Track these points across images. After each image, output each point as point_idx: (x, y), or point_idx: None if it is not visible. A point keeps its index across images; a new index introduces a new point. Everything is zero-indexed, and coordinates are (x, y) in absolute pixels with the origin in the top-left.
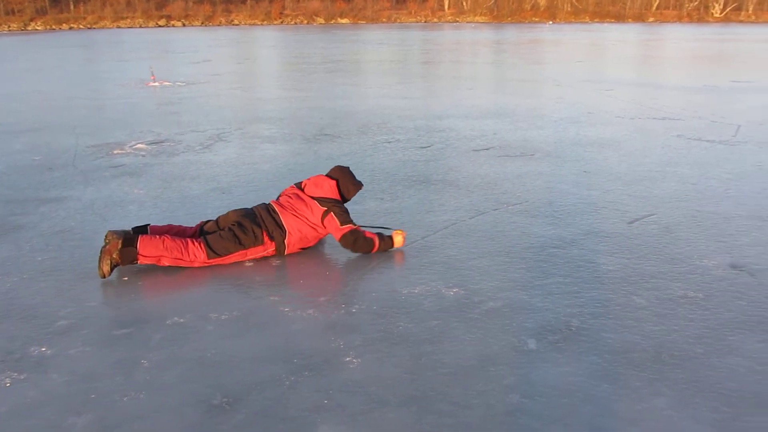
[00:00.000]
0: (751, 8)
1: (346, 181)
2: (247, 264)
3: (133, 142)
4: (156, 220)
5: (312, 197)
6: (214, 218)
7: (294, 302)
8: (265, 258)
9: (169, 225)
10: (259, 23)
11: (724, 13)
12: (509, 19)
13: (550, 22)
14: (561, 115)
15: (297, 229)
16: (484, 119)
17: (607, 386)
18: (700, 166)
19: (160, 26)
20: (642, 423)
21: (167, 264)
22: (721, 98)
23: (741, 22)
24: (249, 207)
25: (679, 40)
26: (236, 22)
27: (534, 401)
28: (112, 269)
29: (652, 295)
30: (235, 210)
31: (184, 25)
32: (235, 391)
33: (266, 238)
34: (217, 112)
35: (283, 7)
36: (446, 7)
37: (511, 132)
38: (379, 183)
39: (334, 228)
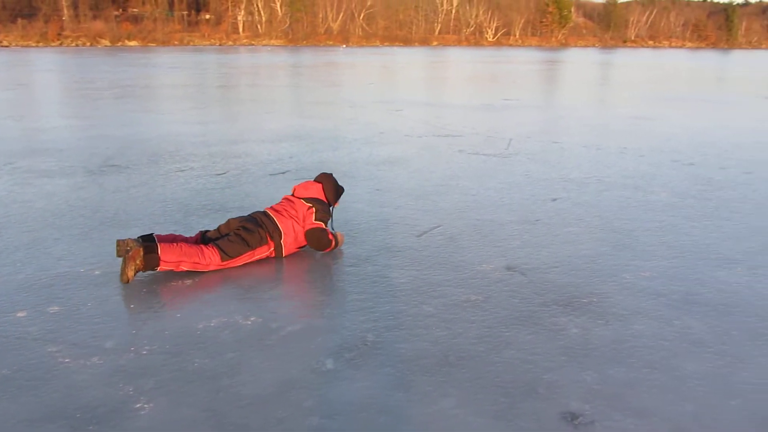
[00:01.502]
0: (517, 33)
1: (329, 184)
2: (19, 315)
3: None
4: None
5: (300, 198)
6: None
7: (75, 351)
8: (44, 302)
9: (172, 234)
10: (33, 45)
11: (496, 37)
12: (304, 42)
13: (344, 46)
14: (355, 136)
15: (291, 229)
16: (281, 142)
17: (401, 394)
18: (479, 178)
19: None
20: (432, 425)
21: (186, 269)
22: (495, 115)
23: (510, 45)
24: (246, 215)
25: (459, 63)
26: (5, 43)
27: (333, 420)
28: (135, 274)
29: (440, 303)
30: (235, 218)
31: None
32: None
33: (269, 239)
34: None
35: (62, 28)
36: (241, 30)
37: (307, 154)
38: (172, 214)
39: (309, 222)
